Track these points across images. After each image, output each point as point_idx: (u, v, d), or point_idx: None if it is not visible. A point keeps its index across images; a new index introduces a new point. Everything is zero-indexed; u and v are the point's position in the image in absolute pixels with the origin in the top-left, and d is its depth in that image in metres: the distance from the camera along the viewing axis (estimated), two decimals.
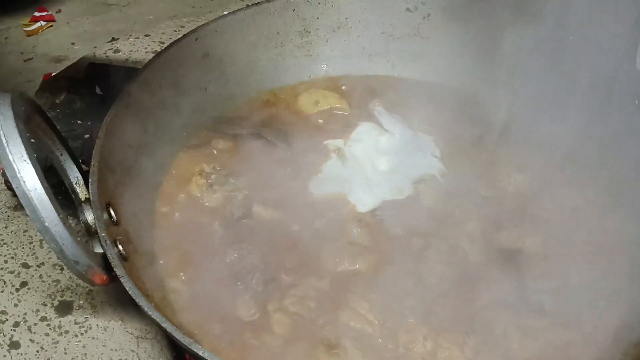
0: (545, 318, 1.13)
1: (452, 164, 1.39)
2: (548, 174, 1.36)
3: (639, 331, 1.07)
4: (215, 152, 1.40)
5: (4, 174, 1.32)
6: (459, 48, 1.54)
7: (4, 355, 1.10)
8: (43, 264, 1.24)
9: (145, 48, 1.74)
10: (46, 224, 0.93)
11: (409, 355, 1.10)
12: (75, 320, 1.16)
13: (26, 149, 0.92)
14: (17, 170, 0.92)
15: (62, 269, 1.23)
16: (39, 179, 0.92)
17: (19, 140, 0.92)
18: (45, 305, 1.18)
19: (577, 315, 1.14)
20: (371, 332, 1.12)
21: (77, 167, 1.15)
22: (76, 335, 1.14)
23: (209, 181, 1.32)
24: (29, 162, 0.92)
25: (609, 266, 1.21)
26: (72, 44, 2.22)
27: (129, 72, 1.56)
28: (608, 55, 1.36)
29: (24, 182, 0.91)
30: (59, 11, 2.39)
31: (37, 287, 1.20)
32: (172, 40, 1.40)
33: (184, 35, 1.40)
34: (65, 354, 1.12)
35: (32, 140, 1.08)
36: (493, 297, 1.17)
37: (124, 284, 0.98)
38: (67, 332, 1.15)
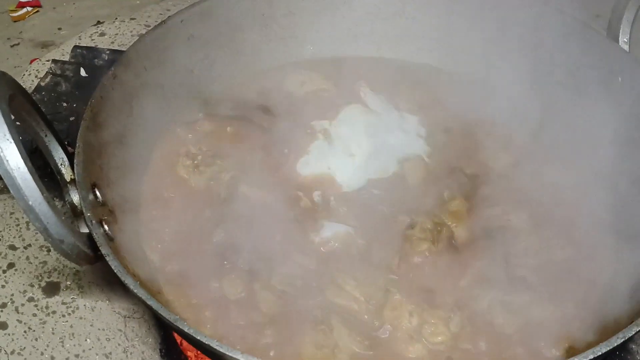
0: (529, 293, 1.15)
1: (437, 143, 1.40)
2: (532, 151, 1.37)
3: (619, 306, 1.08)
4: (202, 133, 1.40)
5: None
6: (444, 28, 1.54)
7: None
8: (30, 245, 1.24)
9: (131, 31, 1.73)
10: (30, 203, 0.93)
11: (394, 331, 1.11)
12: (62, 300, 1.17)
13: (9, 128, 0.92)
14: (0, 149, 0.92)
15: (49, 251, 1.23)
16: (23, 158, 0.92)
17: (1, 120, 0.92)
18: (32, 286, 1.18)
19: (560, 290, 1.15)
20: (357, 308, 1.13)
21: (62, 148, 1.15)
22: (63, 316, 1.15)
23: (195, 162, 1.33)
24: (12, 141, 0.92)
25: (591, 242, 1.22)
26: (59, 29, 2.22)
27: (114, 54, 1.55)
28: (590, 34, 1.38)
29: (7, 161, 0.91)
30: None
31: (25, 269, 1.21)
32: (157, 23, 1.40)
33: (169, 17, 1.40)
34: (53, 334, 1.12)
35: (17, 123, 1.08)
36: (478, 273, 1.18)
37: (110, 263, 0.99)
38: (54, 312, 1.15)
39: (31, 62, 1.76)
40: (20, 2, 2.33)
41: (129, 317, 1.17)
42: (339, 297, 1.14)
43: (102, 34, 1.72)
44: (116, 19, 1.79)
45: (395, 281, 1.16)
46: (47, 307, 1.16)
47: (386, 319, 1.12)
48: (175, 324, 0.93)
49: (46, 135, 1.14)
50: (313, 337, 1.08)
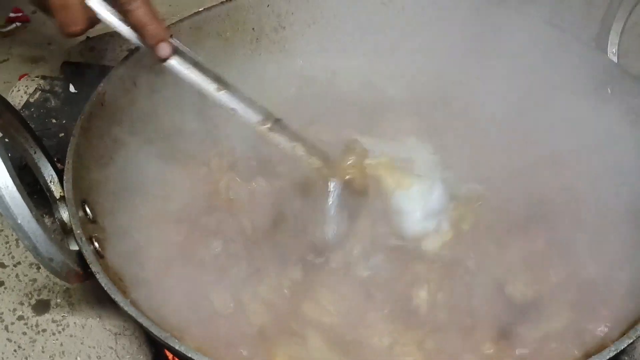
0: None
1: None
2: (521, 164, 1.36)
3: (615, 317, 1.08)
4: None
5: None
6: (434, 40, 1.55)
7: None
8: (19, 263, 1.23)
9: (121, 46, 1.73)
10: (19, 221, 0.92)
11: (367, 348, 1.09)
12: (52, 318, 1.16)
13: None
14: None
15: (38, 268, 1.23)
16: (11, 176, 0.92)
17: None
18: (22, 304, 1.18)
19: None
20: (331, 322, 1.12)
21: (51, 165, 1.15)
22: (54, 334, 1.14)
23: None
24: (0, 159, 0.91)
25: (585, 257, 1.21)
26: (48, 44, 2.20)
27: (103, 70, 1.55)
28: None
29: None
30: (35, 12, 2.37)
31: (14, 287, 1.20)
32: None
33: None
34: (43, 352, 1.11)
35: (6, 140, 1.08)
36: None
37: (100, 280, 0.98)
38: (44, 330, 1.14)
39: (20, 78, 1.76)
40: (8, 17, 2.32)
41: (119, 334, 1.16)
42: (315, 311, 1.13)
43: (92, 49, 1.72)
44: (105, 34, 1.79)
45: (374, 298, 1.15)
46: (37, 325, 1.15)
47: (360, 336, 1.11)
48: (166, 341, 0.93)
49: (35, 152, 1.13)
50: (288, 348, 1.08)
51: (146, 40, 1.09)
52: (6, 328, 1.14)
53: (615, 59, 1.36)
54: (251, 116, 1.19)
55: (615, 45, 1.37)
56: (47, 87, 1.52)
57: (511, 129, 1.41)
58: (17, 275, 1.22)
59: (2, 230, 1.28)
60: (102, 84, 1.26)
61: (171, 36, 1.12)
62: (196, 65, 1.15)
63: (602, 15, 1.39)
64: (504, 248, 1.21)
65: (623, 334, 0.94)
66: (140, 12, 1.06)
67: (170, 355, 1.21)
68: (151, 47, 1.10)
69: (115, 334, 1.16)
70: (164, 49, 1.11)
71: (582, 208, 1.27)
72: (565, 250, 1.21)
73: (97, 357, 1.12)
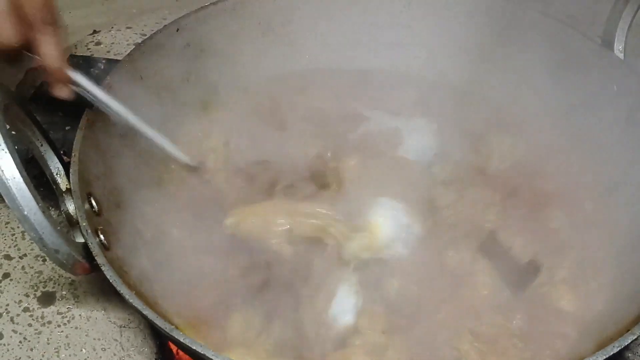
0: None
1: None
2: (527, 159, 1.37)
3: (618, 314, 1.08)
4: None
5: None
6: (440, 36, 1.55)
7: None
8: (25, 255, 1.24)
9: (127, 40, 1.74)
10: (25, 212, 0.93)
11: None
12: (58, 310, 1.17)
13: (4, 139, 0.92)
14: None
15: (44, 260, 1.23)
16: (18, 168, 0.92)
17: None
18: (27, 296, 1.18)
19: None
20: None
21: (57, 157, 1.15)
22: (59, 326, 1.14)
23: None
24: (7, 150, 0.91)
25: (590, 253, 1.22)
26: None
27: (109, 63, 1.55)
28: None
29: (2, 171, 0.91)
30: None
31: (20, 279, 1.20)
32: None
33: (165, 26, 1.40)
34: (48, 344, 1.12)
35: (13, 132, 1.08)
36: None
37: (105, 273, 0.98)
38: (49, 322, 1.15)
39: (27, 71, 1.75)
40: None
41: (124, 326, 1.17)
42: None
43: (98, 43, 1.72)
44: (112, 27, 1.79)
45: None
46: (42, 317, 1.15)
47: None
48: (171, 334, 0.93)
49: (42, 145, 1.14)
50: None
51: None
52: (12, 320, 1.14)
53: (621, 57, 1.35)
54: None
55: (621, 42, 1.36)
56: None
57: (517, 122, 1.42)
58: (22, 267, 1.22)
59: (8, 222, 1.29)
60: (108, 78, 1.27)
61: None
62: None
63: (608, 13, 1.38)
64: None
65: (627, 330, 0.94)
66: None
67: (174, 348, 1.22)
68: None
69: (120, 327, 1.17)
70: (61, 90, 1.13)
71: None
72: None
73: (102, 349, 1.13)
